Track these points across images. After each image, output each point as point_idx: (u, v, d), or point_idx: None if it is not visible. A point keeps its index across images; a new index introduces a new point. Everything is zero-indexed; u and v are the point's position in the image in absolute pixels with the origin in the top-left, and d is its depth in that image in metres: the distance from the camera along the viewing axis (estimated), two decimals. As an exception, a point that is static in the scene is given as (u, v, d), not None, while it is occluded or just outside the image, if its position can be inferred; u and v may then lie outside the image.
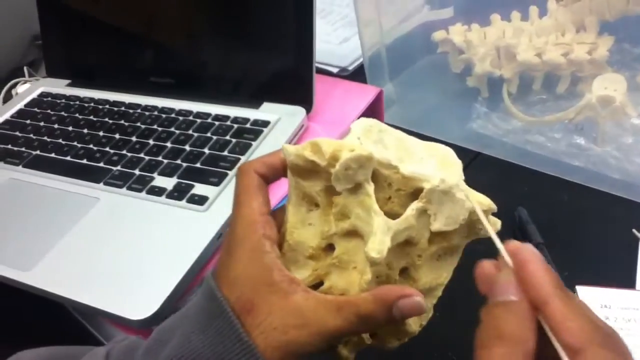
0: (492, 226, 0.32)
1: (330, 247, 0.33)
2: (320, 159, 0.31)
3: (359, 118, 0.58)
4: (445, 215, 0.32)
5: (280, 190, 0.46)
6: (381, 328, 0.33)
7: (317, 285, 0.33)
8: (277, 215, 0.34)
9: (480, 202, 0.32)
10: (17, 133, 0.63)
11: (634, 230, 0.51)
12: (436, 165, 0.33)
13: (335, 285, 0.32)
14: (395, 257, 0.32)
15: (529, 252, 0.25)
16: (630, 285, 0.47)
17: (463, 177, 0.33)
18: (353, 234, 0.32)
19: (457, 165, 0.34)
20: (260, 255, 0.31)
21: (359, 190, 0.31)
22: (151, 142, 0.57)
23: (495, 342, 0.24)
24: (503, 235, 0.52)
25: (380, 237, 0.30)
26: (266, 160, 0.34)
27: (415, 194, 0.32)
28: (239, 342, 0.29)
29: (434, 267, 0.34)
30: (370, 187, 0.31)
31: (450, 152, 0.34)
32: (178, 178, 0.52)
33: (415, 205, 0.31)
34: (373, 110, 0.61)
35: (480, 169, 0.61)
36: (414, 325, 0.34)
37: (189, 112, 0.60)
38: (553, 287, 0.24)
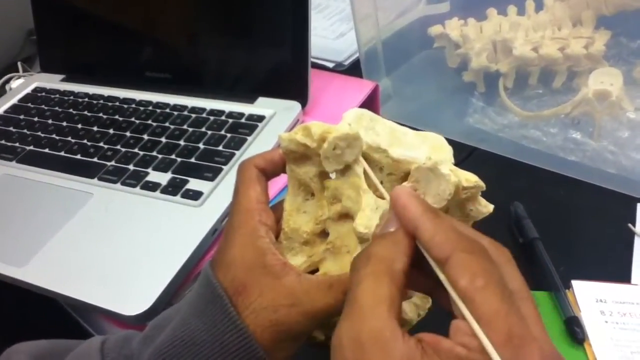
0: (484, 208, 0.33)
1: (324, 234, 0.33)
2: (310, 141, 0.31)
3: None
4: (433, 193, 0.31)
5: (277, 184, 0.46)
6: None
7: (312, 272, 0.33)
8: (277, 208, 0.35)
9: (467, 179, 0.32)
10: (11, 128, 0.63)
11: (630, 225, 0.51)
12: (427, 151, 0.33)
13: (330, 271, 0.33)
14: None
15: (400, 189, 0.28)
16: (626, 279, 0.47)
17: (453, 161, 0.34)
18: (345, 217, 0.32)
19: (447, 151, 0.34)
20: (254, 240, 0.31)
21: (348, 171, 0.32)
22: (146, 137, 0.57)
23: (363, 263, 0.25)
24: (499, 229, 0.52)
25: (368, 213, 0.30)
26: (266, 155, 0.35)
27: (406, 177, 0.32)
28: (233, 324, 0.29)
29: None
30: (359, 168, 0.32)
31: (441, 139, 0.35)
32: (172, 173, 0.52)
33: (404, 185, 0.31)
34: (369, 105, 0.61)
35: (476, 163, 0.60)
36: (410, 313, 0.34)
37: (184, 107, 0.60)
38: (421, 212, 0.26)
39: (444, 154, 0.34)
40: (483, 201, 0.34)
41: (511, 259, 0.26)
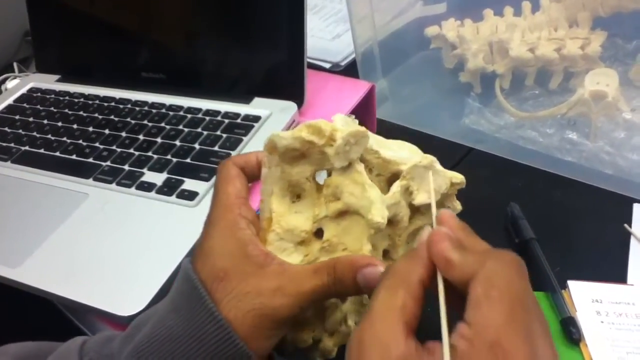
0: (458, 205, 0.38)
1: (318, 234, 0.33)
2: (318, 138, 0.32)
3: (350, 113, 0.58)
4: (427, 188, 0.34)
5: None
6: (351, 294, 0.33)
7: None
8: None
9: (454, 176, 0.36)
10: (6, 128, 0.63)
11: (626, 225, 0.51)
12: (408, 154, 0.35)
13: None
14: (380, 238, 0.34)
15: (450, 219, 0.29)
16: (622, 279, 0.47)
17: None
18: (344, 214, 0.33)
19: (423, 156, 0.36)
20: (235, 232, 0.32)
21: (350, 169, 0.33)
22: (141, 137, 0.57)
23: (383, 276, 0.28)
24: (495, 230, 0.52)
25: (379, 205, 0.32)
26: (244, 156, 0.36)
27: (392, 179, 0.34)
28: (211, 316, 0.29)
29: (409, 249, 0.36)
30: (360, 166, 0.33)
31: (414, 146, 0.37)
32: (168, 173, 0.52)
33: (398, 183, 0.34)
34: (365, 106, 0.61)
35: (472, 164, 0.60)
36: None
37: (180, 108, 0.60)
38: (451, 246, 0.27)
39: (421, 159, 0.36)
40: (456, 199, 0.38)
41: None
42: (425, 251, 0.27)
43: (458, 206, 0.38)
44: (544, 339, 0.24)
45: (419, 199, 0.34)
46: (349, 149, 0.32)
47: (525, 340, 0.23)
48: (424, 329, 0.26)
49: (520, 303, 0.24)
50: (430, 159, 0.35)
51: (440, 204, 0.37)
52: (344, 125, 0.33)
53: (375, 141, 0.35)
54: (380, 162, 0.34)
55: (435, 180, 0.35)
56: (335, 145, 0.31)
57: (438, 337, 0.25)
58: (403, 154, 0.35)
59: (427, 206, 0.35)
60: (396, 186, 0.34)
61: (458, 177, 0.37)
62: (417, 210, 0.36)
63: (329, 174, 0.34)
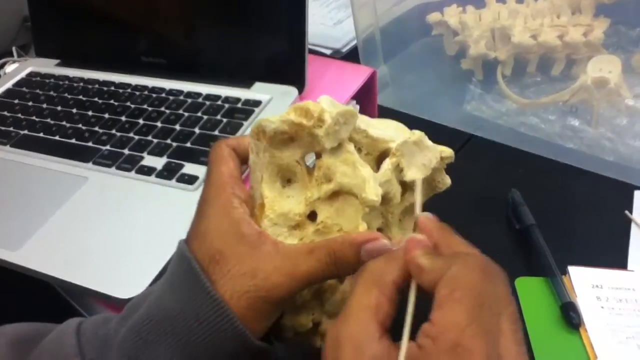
0: (447, 179, 0.38)
1: (312, 217, 0.33)
2: (308, 119, 0.31)
3: (352, 98, 0.57)
4: (418, 164, 0.35)
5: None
6: (353, 272, 0.33)
7: None
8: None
9: (443, 150, 0.37)
10: (5, 112, 0.62)
11: (627, 212, 0.51)
12: (394, 133, 0.35)
13: None
14: (374, 217, 0.34)
15: (415, 241, 0.29)
16: (622, 265, 0.47)
17: None
18: (336, 195, 0.33)
19: (409, 133, 0.36)
20: (228, 211, 0.31)
21: (340, 149, 0.32)
22: (141, 121, 0.57)
23: (359, 274, 0.28)
24: (496, 216, 0.52)
25: (373, 183, 0.32)
26: (237, 138, 0.36)
27: (381, 157, 0.34)
28: (208, 297, 0.29)
29: (401, 227, 0.36)
30: (350, 146, 0.33)
31: (400, 124, 0.37)
32: (168, 157, 0.52)
33: (389, 160, 0.34)
34: (366, 92, 0.60)
35: (474, 151, 0.60)
36: None
37: (180, 92, 0.60)
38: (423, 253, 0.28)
39: (409, 135, 0.36)
40: (445, 174, 0.38)
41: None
42: (402, 254, 0.28)
43: (447, 180, 0.38)
44: (510, 337, 0.24)
45: (410, 175, 0.34)
46: (338, 129, 0.32)
47: (485, 339, 0.23)
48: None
49: (482, 303, 0.24)
50: (418, 134, 0.35)
51: (431, 179, 0.37)
52: (330, 106, 0.33)
53: (362, 121, 0.35)
54: (369, 141, 0.34)
55: (425, 155, 0.35)
56: (324, 126, 0.31)
57: (412, 338, 0.25)
58: (390, 131, 0.35)
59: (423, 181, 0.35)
60: (387, 164, 0.34)
61: (447, 151, 0.37)
62: (408, 187, 0.35)
63: (318, 157, 0.33)
